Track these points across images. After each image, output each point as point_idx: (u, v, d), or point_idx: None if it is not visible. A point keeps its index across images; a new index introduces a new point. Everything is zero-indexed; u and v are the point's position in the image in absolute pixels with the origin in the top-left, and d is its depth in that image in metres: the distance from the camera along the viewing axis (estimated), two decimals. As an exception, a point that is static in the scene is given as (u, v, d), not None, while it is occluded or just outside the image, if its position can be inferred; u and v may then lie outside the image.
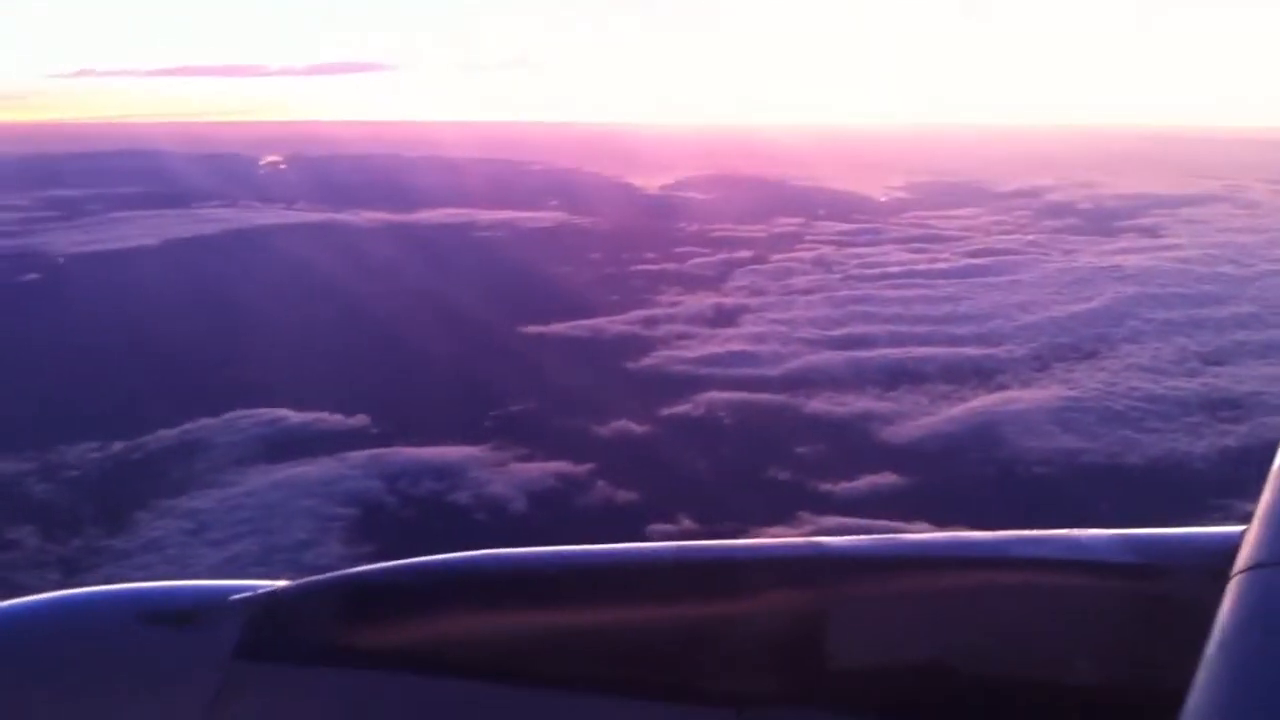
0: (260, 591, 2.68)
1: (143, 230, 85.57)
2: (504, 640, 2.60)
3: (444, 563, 2.71)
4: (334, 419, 39.75)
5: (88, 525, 31.48)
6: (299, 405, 40.59)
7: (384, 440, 37.88)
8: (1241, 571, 2.34)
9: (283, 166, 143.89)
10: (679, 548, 2.78)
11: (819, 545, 2.80)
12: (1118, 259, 72.77)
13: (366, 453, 36.59)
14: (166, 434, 38.26)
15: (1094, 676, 2.56)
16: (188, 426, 38.89)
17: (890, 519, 29.81)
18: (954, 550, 2.81)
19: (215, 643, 2.55)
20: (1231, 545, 2.48)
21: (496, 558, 2.73)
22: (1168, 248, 78.06)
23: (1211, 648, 2.09)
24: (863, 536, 2.85)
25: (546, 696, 2.53)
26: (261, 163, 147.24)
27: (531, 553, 2.76)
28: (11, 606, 2.66)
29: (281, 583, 2.70)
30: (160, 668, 2.54)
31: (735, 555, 2.80)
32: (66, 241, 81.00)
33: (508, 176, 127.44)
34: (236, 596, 2.66)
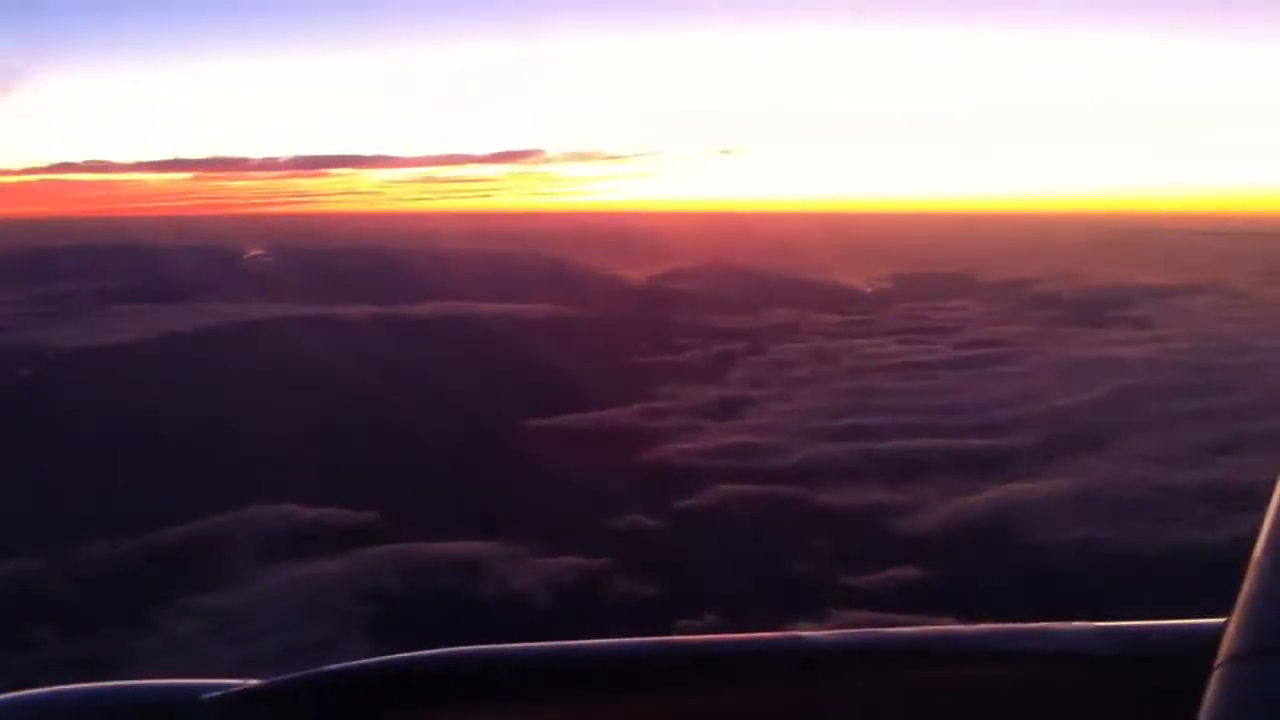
0: (231, 691, 2.64)
1: (136, 325, 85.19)
2: None
3: (417, 659, 2.69)
4: (345, 514, 39.53)
5: (107, 624, 31.14)
6: (309, 501, 40.39)
7: (397, 536, 37.68)
8: (1223, 663, 2.35)
9: (269, 260, 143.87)
10: (663, 642, 2.79)
11: (800, 639, 2.80)
12: (1112, 350, 73.10)
13: (381, 548, 36.45)
14: (178, 531, 37.96)
15: None
16: (198, 524, 38.57)
17: (916, 613, 29.59)
18: (936, 644, 2.84)
19: None
20: (1214, 636, 2.48)
21: (470, 654, 2.71)
22: (1160, 339, 78.55)
23: None
24: (845, 630, 2.91)
25: None
26: (247, 256, 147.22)
27: (508, 649, 2.75)
28: None
29: (253, 681, 2.67)
30: None
31: (718, 649, 2.81)
32: (59, 336, 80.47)
33: (494, 267, 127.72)
34: (207, 695, 2.62)
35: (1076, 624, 2.83)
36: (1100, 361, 68.75)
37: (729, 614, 30.50)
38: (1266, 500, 3.17)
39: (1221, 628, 2.49)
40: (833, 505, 41.48)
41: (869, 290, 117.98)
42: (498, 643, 2.75)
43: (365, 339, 76.80)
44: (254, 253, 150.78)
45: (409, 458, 46.67)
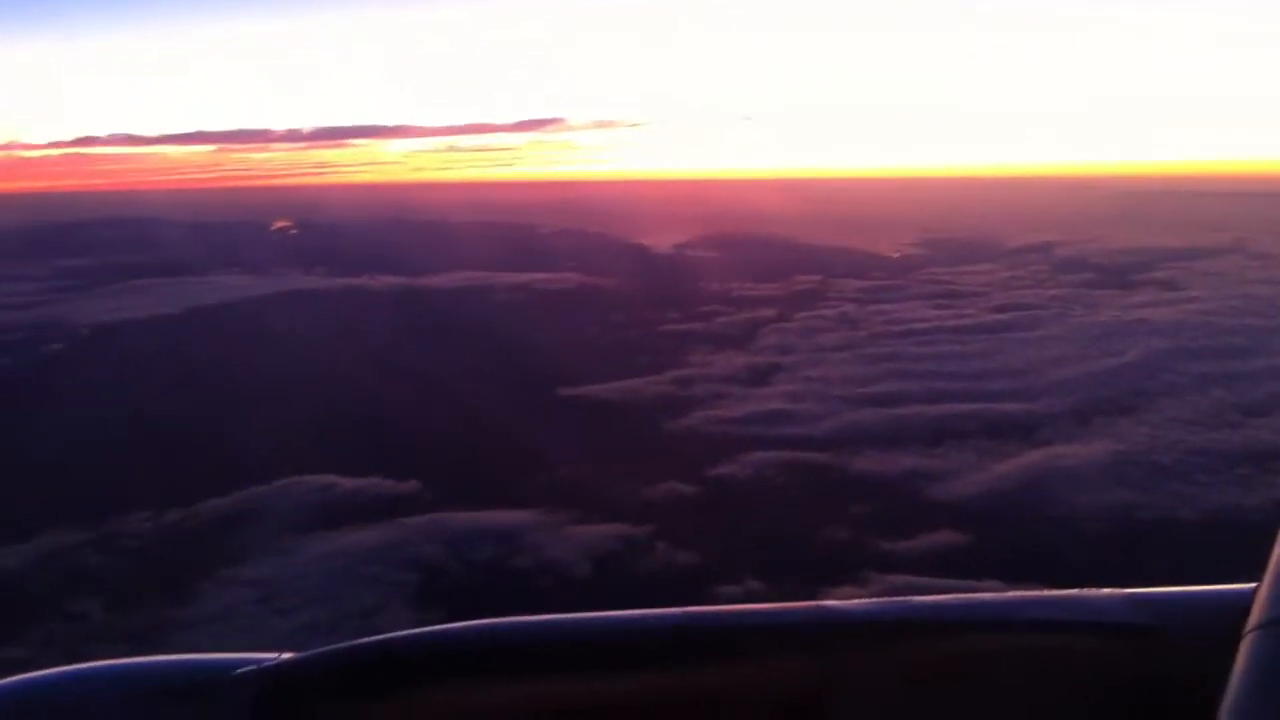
0: (265, 664, 2.66)
1: (163, 298, 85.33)
2: (510, 710, 2.60)
3: (450, 632, 2.71)
4: (385, 484, 39.61)
5: (152, 596, 31.23)
6: (348, 471, 40.46)
7: (436, 505, 37.71)
8: (1254, 629, 2.36)
9: (294, 231, 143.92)
10: (684, 613, 2.78)
11: (823, 609, 2.83)
12: (1141, 313, 72.82)
13: (422, 518, 36.52)
14: (219, 503, 38.07)
15: None
16: (239, 495, 38.67)
17: (955, 577, 29.55)
18: (959, 613, 2.83)
19: (219, 719, 2.54)
20: (1243, 602, 2.50)
21: (501, 626, 2.73)
22: (1189, 300, 77.98)
23: (1225, 707, 2.12)
24: (867, 600, 2.88)
25: None
26: (273, 227, 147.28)
27: (537, 620, 2.76)
28: (6, 684, 2.62)
29: (286, 655, 2.70)
30: None
31: (740, 620, 2.82)
32: (87, 311, 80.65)
33: (518, 237, 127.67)
34: (241, 670, 2.64)
35: (1105, 590, 2.85)
36: (1130, 324, 68.52)
37: (767, 580, 30.61)
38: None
39: (1252, 593, 2.52)
40: (868, 471, 41.39)
41: (895, 255, 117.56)
42: (537, 612, 2.77)
43: (394, 310, 76.94)
44: (280, 224, 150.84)
45: (444, 428, 46.63)
